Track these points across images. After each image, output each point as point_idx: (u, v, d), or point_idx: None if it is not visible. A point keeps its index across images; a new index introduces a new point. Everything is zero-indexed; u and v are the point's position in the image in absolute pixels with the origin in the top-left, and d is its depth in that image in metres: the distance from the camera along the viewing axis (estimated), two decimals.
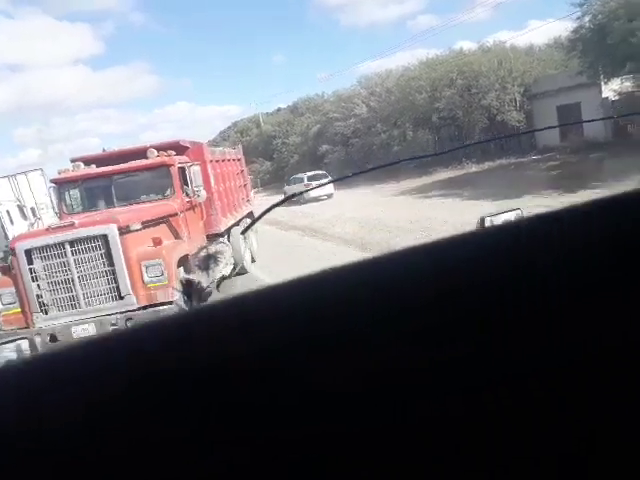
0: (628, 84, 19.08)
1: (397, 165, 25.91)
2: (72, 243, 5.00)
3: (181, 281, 1.35)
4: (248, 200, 11.26)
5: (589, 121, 21.07)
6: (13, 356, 1.24)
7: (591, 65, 17.09)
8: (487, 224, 1.60)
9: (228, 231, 8.47)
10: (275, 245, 12.81)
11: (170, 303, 5.00)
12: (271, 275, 8.60)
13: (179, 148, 7.26)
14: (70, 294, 5.05)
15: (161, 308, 4.95)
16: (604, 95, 20.14)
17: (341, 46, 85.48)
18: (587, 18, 16.44)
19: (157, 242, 5.29)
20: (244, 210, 10.36)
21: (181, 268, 5.57)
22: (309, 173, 23.66)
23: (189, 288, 0.70)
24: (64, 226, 5.18)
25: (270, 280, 8.14)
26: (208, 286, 0.67)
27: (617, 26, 14.53)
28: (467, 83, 24.10)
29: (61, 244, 4.98)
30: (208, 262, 0.78)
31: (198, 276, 0.74)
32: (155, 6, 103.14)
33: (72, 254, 4.99)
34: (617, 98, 20.16)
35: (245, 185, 11.29)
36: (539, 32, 42.03)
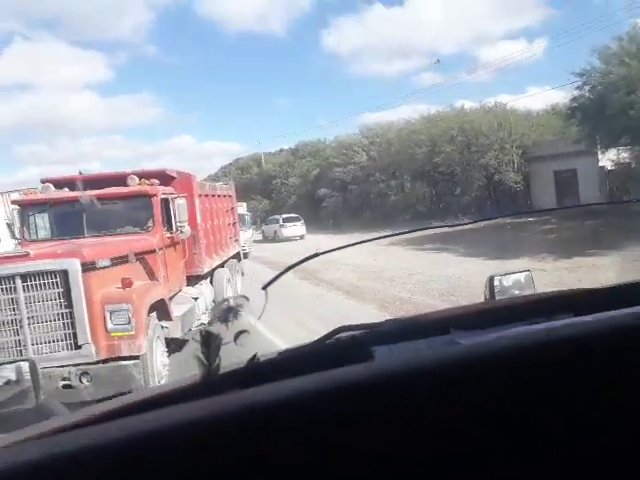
0: (625, 155, 19.45)
1: (392, 214, 26.01)
2: (24, 277, 4.19)
3: (200, 332, 0.79)
4: (236, 240, 10.54)
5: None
6: (13, 377, 1.33)
7: (589, 134, 17.40)
8: (496, 283, 1.59)
9: (212, 273, 7.89)
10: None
11: (136, 358, 4.28)
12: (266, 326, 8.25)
13: (165, 178, 6.56)
14: (16, 338, 4.22)
15: (125, 363, 4.23)
16: (601, 164, 20.51)
17: (345, 95, 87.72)
18: (587, 88, 16.85)
19: (127, 283, 4.45)
20: (231, 250, 9.65)
21: (153, 314, 4.84)
22: (284, 215, 26.59)
23: (208, 340, 0.74)
24: (17, 256, 4.38)
25: (265, 331, 7.73)
26: (225, 339, 0.75)
27: (616, 98, 14.84)
28: (467, 141, 24.51)
29: (10, 277, 4.18)
30: (228, 314, 0.82)
31: (218, 328, 0.78)
32: (167, 41, 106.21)
33: (23, 290, 4.19)
34: (613, 168, 20.52)
35: (234, 223, 10.59)
36: (537, 98, 43.41)
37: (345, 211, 29.48)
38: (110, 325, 4.29)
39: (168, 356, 5.18)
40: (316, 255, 1.05)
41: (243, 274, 10.53)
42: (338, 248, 1.14)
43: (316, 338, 0.97)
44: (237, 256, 10.42)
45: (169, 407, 0.57)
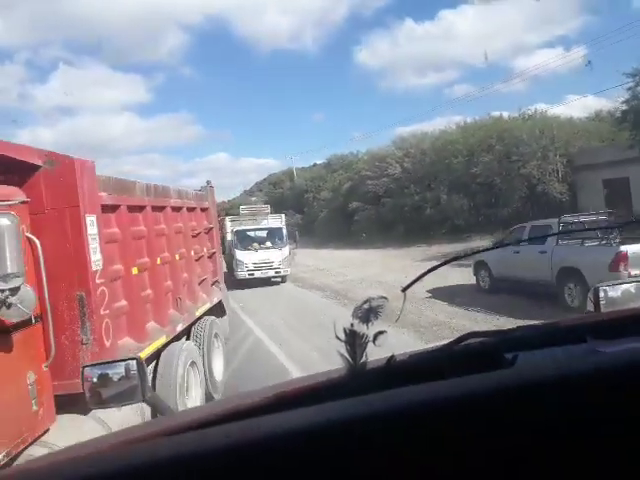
0: None
1: (428, 228, 24.86)
2: None
3: (344, 330, 0.80)
4: (215, 283, 6.97)
5: None
6: (123, 374, 1.45)
7: None
8: (601, 295, 1.40)
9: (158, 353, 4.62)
10: (296, 314, 11.76)
11: None
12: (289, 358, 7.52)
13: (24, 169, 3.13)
14: None
15: None
16: None
17: (378, 108, 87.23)
18: None
19: None
20: (201, 304, 5.99)
21: None
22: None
23: (353, 339, 0.75)
24: None
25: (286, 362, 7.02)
26: (368, 338, 0.76)
27: None
28: (506, 150, 23.28)
29: None
30: (369, 314, 0.80)
31: (360, 327, 0.78)
32: (203, 62, 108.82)
33: None
34: None
35: (212, 255, 7.01)
36: (577, 106, 41.49)
37: (378, 225, 28.54)
38: None
39: None
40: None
41: (226, 340, 6.95)
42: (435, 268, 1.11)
43: (443, 343, 0.99)
44: (217, 310, 6.78)
45: (321, 404, 0.61)
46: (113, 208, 4.03)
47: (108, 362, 1.59)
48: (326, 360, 6.91)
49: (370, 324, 0.81)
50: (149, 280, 4.62)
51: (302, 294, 13.84)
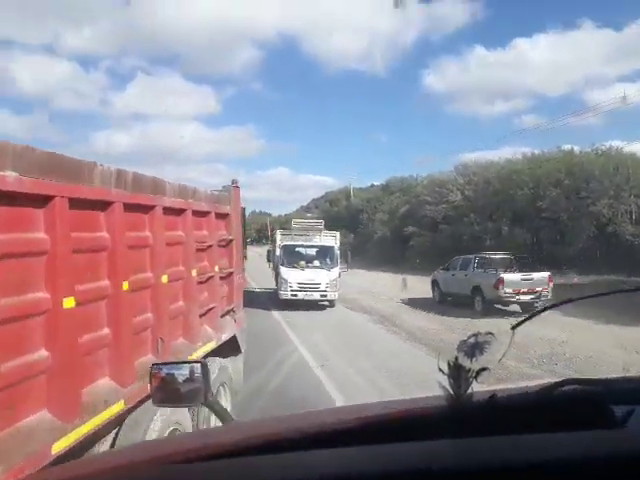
0: None
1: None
2: None
3: (448, 363, 0.82)
4: (231, 312, 5.46)
5: None
6: (187, 375, 1.49)
7: None
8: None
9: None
10: (341, 336, 11.57)
11: None
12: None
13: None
14: None
15: None
16: None
17: (441, 133, 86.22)
18: None
19: None
20: (200, 344, 4.42)
21: None
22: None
23: (458, 372, 0.75)
24: None
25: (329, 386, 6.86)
26: (473, 374, 0.76)
27: None
28: (575, 185, 22.23)
29: None
30: (474, 350, 0.80)
31: (464, 361, 0.78)
32: (272, 78, 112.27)
33: None
34: None
35: (228, 276, 5.48)
36: None
37: (433, 251, 27.89)
38: None
39: None
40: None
41: (237, 392, 5.21)
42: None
43: (535, 384, 0.97)
44: (228, 348, 5.17)
45: (419, 441, 0.63)
46: (32, 199, 2.48)
47: (175, 362, 1.68)
48: (370, 386, 6.69)
49: (474, 360, 0.80)
50: (107, 314, 3.13)
51: (348, 316, 13.64)
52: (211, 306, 4.85)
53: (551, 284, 12.86)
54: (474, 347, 0.82)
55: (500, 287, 12.43)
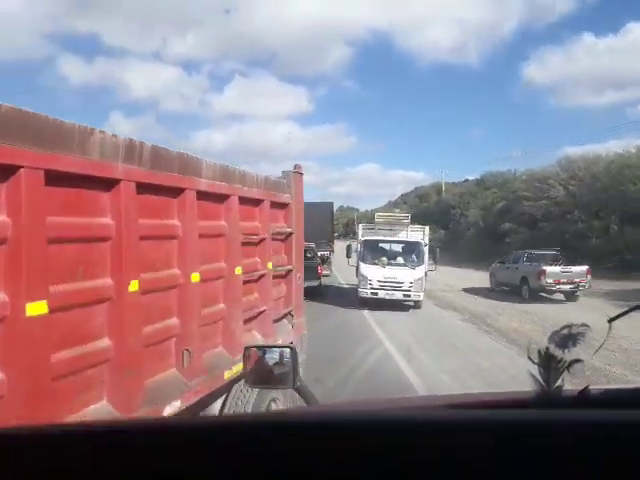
0: None
1: (591, 259, 22.25)
2: None
3: (539, 352, 0.82)
4: (287, 315, 4.74)
5: None
6: (277, 359, 1.58)
7: None
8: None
9: None
10: (430, 333, 11.35)
11: None
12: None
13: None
14: None
15: None
16: None
17: (542, 126, 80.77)
18: None
19: None
20: (238, 358, 3.38)
21: None
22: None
23: (548, 362, 0.75)
24: None
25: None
26: (564, 364, 0.75)
27: None
28: None
29: None
30: (567, 341, 0.79)
31: (556, 352, 0.77)
32: (363, 75, 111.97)
33: None
34: None
35: (287, 274, 4.78)
36: None
37: (531, 249, 26.30)
38: None
39: None
40: None
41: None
42: None
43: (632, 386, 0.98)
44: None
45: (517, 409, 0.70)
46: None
47: (267, 346, 1.76)
48: (458, 384, 6.45)
49: (567, 351, 0.78)
50: (107, 325, 2.45)
51: (438, 313, 13.25)
52: (260, 309, 4.10)
53: (589, 276, 14.82)
54: (567, 338, 0.79)
55: (542, 277, 14.61)
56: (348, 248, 16.26)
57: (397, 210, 59.28)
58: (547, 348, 0.79)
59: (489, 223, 32.62)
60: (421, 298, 13.04)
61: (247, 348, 1.67)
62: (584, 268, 14.94)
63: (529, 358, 0.80)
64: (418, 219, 20.75)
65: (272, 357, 1.59)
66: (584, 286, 14.64)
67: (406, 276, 12.93)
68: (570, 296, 14.70)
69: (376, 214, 16.03)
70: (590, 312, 11.23)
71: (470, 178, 50.03)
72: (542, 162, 41.54)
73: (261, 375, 1.62)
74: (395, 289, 12.95)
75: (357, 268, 13.82)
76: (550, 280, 14.46)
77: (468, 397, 1.05)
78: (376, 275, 13.05)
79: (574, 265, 15.17)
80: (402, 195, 76.36)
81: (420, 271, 13.04)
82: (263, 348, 1.70)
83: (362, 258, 13.56)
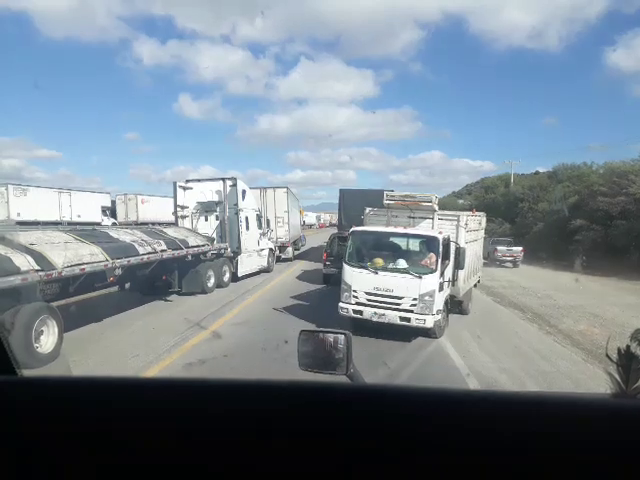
0: None
1: None
2: None
3: (619, 350, 0.77)
4: None
5: None
6: (331, 344, 1.58)
7: None
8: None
9: None
10: (488, 331, 10.90)
11: None
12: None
13: None
14: None
15: None
16: None
17: (626, 116, 75.00)
18: None
19: None
20: None
21: None
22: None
23: (629, 361, 0.70)
24: None
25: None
26: None
27: None
28: None
29: None
30: None
31: (638, 351, 0.72)
32: (434, 59, 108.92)
33: None
34: None
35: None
36: None
37: (605, 249, 24.64)
38: None
39: None
40: None
41: None
42: None
43: None
44: None
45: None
46: None
47: (321, 331, 1.74)
48: (516, 386, 6.10)
49: None
50: None
51: (498, 311, 12.70)
52: None
53: (522, 253, 25.38)
54: None
55: (495, 253, 25.02)
56: (331, 243, 15.15)
57: (460, 201, 57.25)
58: (628, 347, 0.75)
59: (559, 218, 30.83)
60: (429, 324, 8.48)
61: (302, 332, 1.70)
62: (520, 248, 25.44)
63: (607, 356, 0.76)
64: (484, 211, 19.76)
65: (326, 342, 1.60)
66: (519, 259, 25.11)
67: (408, 288, 8.60)
68: (514, 264, 24.91)
69: (386, 193, 10.85)
70: (518, 273, 21.60)
71: (541, 170, 47.53)
72: (622, 155, 38.54)
73: (315, 359, 1.62)
74: (389, 307, 8.66)
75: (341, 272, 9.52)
76: (500, 254, 25.00)
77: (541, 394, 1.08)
78: (364, 284, 8.88)
79: (515, 246, 25.66)
80: (467, 185, 73.90)
81: (432, 282, 8.58)
82: (318, 332, 1.71)
83: (347, 258, 9.26)
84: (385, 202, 10.54)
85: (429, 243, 8.96)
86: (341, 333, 1.64)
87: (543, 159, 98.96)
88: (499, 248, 25.01)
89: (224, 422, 0.71)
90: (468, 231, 10.42)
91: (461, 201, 46.78)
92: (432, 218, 10.38)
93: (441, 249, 8.70)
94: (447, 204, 30.91)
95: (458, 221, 10.12)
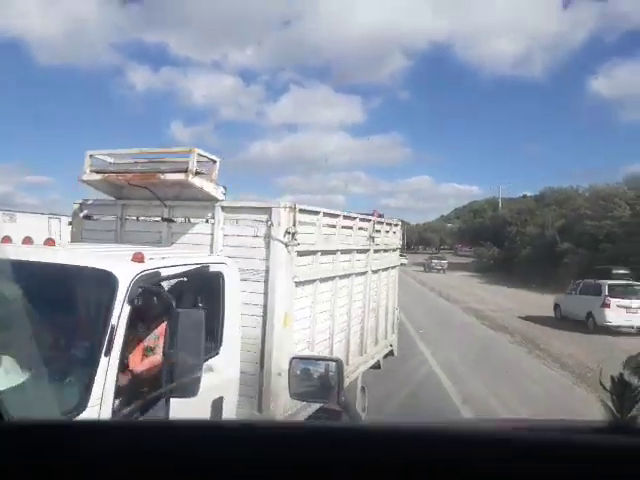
0: None
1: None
2: None
3: (612, 379, 0.73)
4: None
5: None
6: (322, 372, 1.49)
7: None
8: None
9: None
10: (478, 354, 10.95)
11: None
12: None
13: None
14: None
15: None
16: None
17: (608, 142, 76.91)
18: None
19: None
20: None
21: None
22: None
23: (622, 390, 0.71)
24: None
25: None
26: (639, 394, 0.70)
27: None
28: None
29: None
30: None
31: (632, 379, 0.74)
32: (420, 86, 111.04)
33: None
34: None
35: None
36: None
37: (591, 272, 24.92)
38: None
39: None
40: None
41: None
42: None
43: None
44: None
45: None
46: None
47: (313, 358, 1.71)
48: (507, 411, 6.09)
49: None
50: None
51: (486, 333, 12.77)
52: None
53: (446, 264, 41.67)
54: None
55: (429, 262, 43.05)
56: None
57: (449, 225, 57.57)
58: (621, 375, 0.73)
59: (547, 242, 31.22)
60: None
61: (292, 359, 1.60)
62: (445, 261, 42.60)
63: (601, 384, 0.74)
64: (472, 235, 19.88)
65: (317, 370, 1.52)
66: (444, 267, 40.38)
67: None
68: (442, 271, 39.17)
69: (89, 154, 4.33)
70: (447, 275, 35.35)
71: (528, 194, 48.27)
72: (606, 179, 39.39)
73: (305, 387, 1.54)
74: None
75: None
76: (433, 264, 40.94)
77: (534, 422, 0.99)
78: None
79: (443, 260, 42.48)
80: (455, 209, 74.48)
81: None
82: (308, 359, 1.64)
83: None
84: (86, 178, 4.36)
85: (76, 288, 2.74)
86: (332, 360, 1.57)
87: (531, 182, 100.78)
88: (434, 261, 42.42)
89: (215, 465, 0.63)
90: (307, 253, 4.27)
91: (449, 225, 47.30)
92: (212, 218, 4.14)
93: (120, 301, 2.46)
94: (437, 227, 31.18)
95: (270, 221, 3.87)
